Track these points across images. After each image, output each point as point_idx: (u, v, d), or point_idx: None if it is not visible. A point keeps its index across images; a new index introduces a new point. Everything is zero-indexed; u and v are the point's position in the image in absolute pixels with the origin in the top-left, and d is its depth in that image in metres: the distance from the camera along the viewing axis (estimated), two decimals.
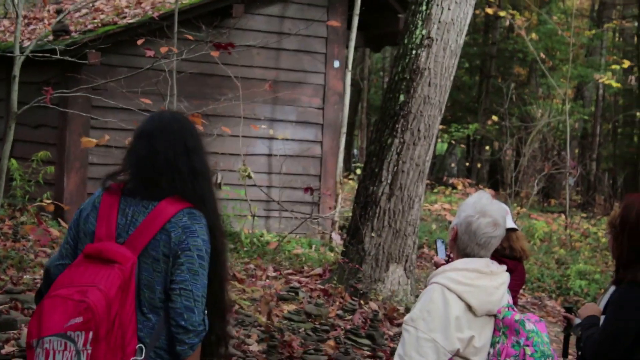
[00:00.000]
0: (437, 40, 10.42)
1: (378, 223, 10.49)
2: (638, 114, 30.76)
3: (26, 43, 13.63)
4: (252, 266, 11.54)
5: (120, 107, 12.40)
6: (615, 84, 23.67)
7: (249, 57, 14.86)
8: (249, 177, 13.66)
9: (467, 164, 35.38)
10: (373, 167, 10.61)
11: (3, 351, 6.78)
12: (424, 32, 10.42)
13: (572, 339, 5.44)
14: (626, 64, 24.75)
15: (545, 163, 22.78)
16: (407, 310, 9.88)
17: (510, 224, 6.72)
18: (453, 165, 38.52)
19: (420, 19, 10.48)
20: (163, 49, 11.13)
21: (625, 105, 35.05)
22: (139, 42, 11.64)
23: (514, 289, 6.62)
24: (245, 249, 12.92)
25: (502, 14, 24.01)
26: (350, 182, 25.40)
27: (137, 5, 14.81)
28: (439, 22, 10.42)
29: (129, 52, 13.69)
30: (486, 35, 35.48)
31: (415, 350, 4.07)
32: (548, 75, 24.24)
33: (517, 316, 4.23)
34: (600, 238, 19.56)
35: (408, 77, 10.46)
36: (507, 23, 29.40)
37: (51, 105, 9.63)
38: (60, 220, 12.97)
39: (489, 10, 25.78)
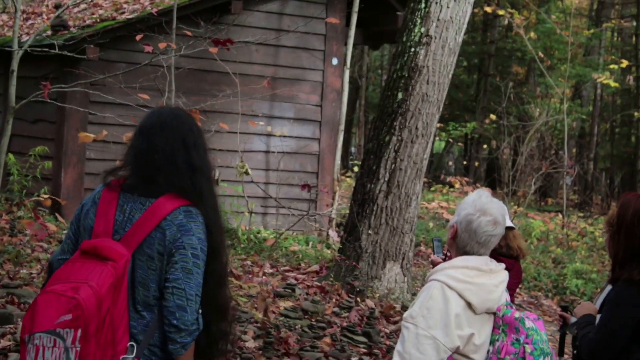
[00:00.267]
0: (435, 38, 10.42)
1: (375, 221, 10.49)
2: (636, 113, 30.74)
3: (24, 38, 13.63)
4: (249, 263, 11.54)
5: (118, 103, 12.40)
6: (613, 84, 23.70)
7: (248, 53, 14.86)
8: (247, 173, 13.65)
9: (465, 162, 35.38)
10: (371, 165, 10.62)
11: None
12: (422, 29, 10.42)
13: (568, 338, 5.44)
14: (624, 63, 24.76)
15: (543, 162, 22.77)
16: (404, 308, 9.89)
17: (508, 222, 6.72)
18: (450, 163, 38.54)
19: (419, 16, 10.48)
20: (161, 45, 11.14)
21: (623, 105, 35.09)
22: (138, 37, 11.64)
23: (510, 287, 6.62)
24: (242, 245, 12.92)
25: (500, 12, 24.03)
26: (348, 179, 25.40)
27: (135, 0, 14.80)
28: (438, 20, 10.42)
29: (128, 47, 13.68)
30: (485, 33, 35.48)
31: (415, 348, 4.07)
32: (546, 74, 24.25)
33: (517, 314, 4.24)
34: (597, 237, 19.57)
35: (406, 75, 10.46)
36: (506, 22, 29.35)
37: (49, 100, 9.64)
38: (57, 215, 12.98)
39: (488, 9, 25.82)
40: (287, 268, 11.70)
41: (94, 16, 14.28)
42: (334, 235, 14.45)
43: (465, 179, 25.14)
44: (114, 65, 13.45)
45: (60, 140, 13.76)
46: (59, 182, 13.73)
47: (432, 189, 26.99)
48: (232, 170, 14.36)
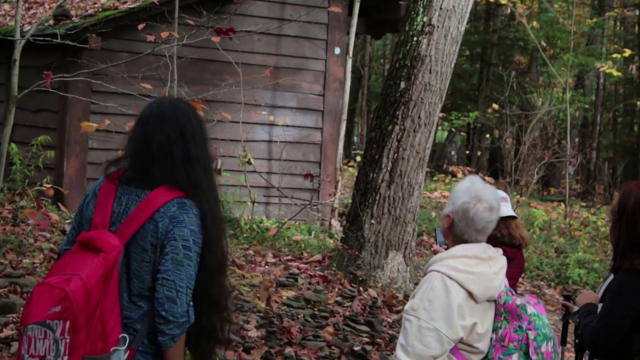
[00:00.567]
0: (438, 27, 10.40)
1: (378, 210, 10.49)
2: (638, 103, 30.74)
3: (27, 27, 13.61)
4: (251, 252, 11.55)
5: (121, 92, 12.40)
6: (616, 73, 23.64)
7: (250, 43, 14.84)
8: (249, 163, 13.65)
9: (467, 152, 35.36)
10: (373, 154, 10.61)
11: (2, 334, 6.80)
12: (425, 19, 10.41)
13: (571, 327, 5.45)
14: (627, 52, 24.73)
15: (545, 152, 22.76)
16: (406, 297, 9.89)
17: (510, 211, 6.73)
18: (453, 153, 38.50)
19: (421, 5, 10.46)
20: (164, 34, 11.11)
21: (626, 94, 35.03)
22: (140, 27, 11.61)
23: (513, 277, 6.64)
24: (244, 235, 12.93)
25: (503, 1, 23.93)
26: (350, 169, 25.42)
27: None
28: (440, 9, 10.40)
29: (130, 37, 13.68)
30: (487, 22, 35.43)
31: (418, 340, 4.06)
32: (549, 63, 24.22)
33: (519, 301, 4.24)
34: (600, 227, 19.58)
35: (409, 64, 10.45)
36: (508, 11, 29.31)
37: (51, 90, 9.62)
38: (59, 204, 12.98)
39: None
40: (289, 257, 11.70)
41: (96, 5, 14.27)
42: (336, 225, 14.44)
43: (468, 168, 25.10)
44: (116, 55, 13.43)
45: (62, 129, 13.76)
46: (61, 171, 13.73)
47: (435, 178, 27.00)
48: (234, 159, 14.36)
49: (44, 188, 11.32)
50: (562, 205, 21.82)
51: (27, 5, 16.19)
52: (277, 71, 15.09)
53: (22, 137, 13.90)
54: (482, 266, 4.20)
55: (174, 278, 3.75)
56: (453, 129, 34.26)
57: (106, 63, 11.86)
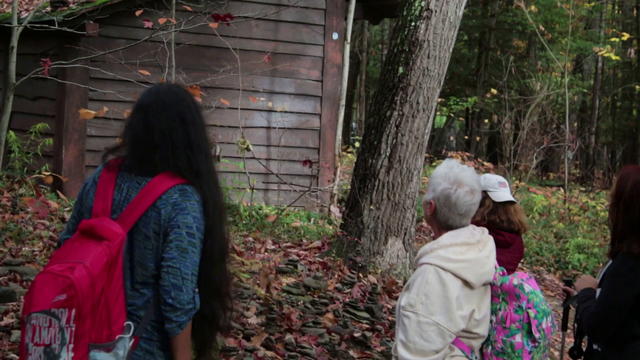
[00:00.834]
0: (436, 12, 10.37)
1: (377, 196, 10.48)
2: (637, 87, 30.71)
3: (24, 14, 13.58)
4: (250, 239, 11.55)
5: (119, 79, 12.37)
6: (614, 57, 23.63)
7: (248, 28, 14.81)
8: (248, 149, 13.63)
9: (466, 137, 35.34)
10: (372, 140, 10.59)
11: (2, 323, 6.79)
12: (423, 3, 10.38)
13: (572, 313, 5.45)
14: (625, 36, 24.71)
15: (544, 136, 22.76)
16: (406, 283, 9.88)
17: (509, 197, 6.71)
18: (452, 138, 38.50)
19: None
20: (161, 20, 11.09)
21: (625, 78, 35.04)
22: (137, 13, 11.59)
23: (512, 262, 6.63)
24: (244, 221, 12.93)
25: None
26: (349, 155, 25.40)
27: None
28: None
29: (127, 23, 13.64)
30: (485, 7, 35.37)
31: (418, 336, 4.03)
32: (547, 48, 24.20)
33: (516, 280, 4.24)
34: (599, 212, 19.58)
35: (407, 49, 10.43)
36: None
37: (49, 77, 9.61)
38: (58, 192, 12.97)
39: None
40: (289, 244, 11.70)
41: None
42: (335, 211, 14.44)
43: (467, 153, 25.04)
44: (113, 42, 13.41)
45: (60, 117, 13.74)
46: (60, 159, 13.71)
47: (434, 164, 26.92)
48: (233, 146, 14.34)
49: (42, 176, 11.30)
50: (561, 190, 21.82)
51: None
52: (275, 57, 15.06)
53: (21, 125, 13.89)
54: (472, 252, 4.17)
55: (179, 265, 3.75)
56: (452, 114, 34.28)
57: (104, 50, 11.85)
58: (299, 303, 8.68)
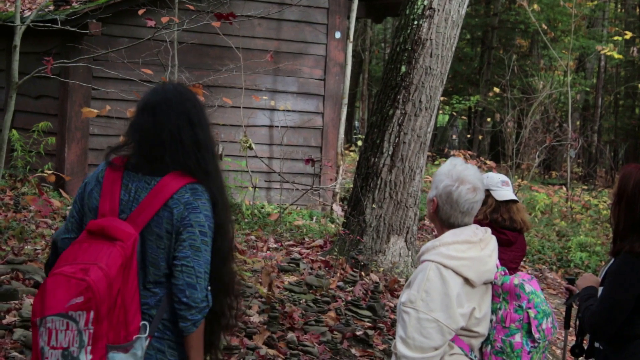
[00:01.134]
0: (438, 10, 10.37)
1: (379, 194, 10.48)
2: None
3: (27, 13, 13.59)
4: (253, 237, 11.55)
5: (121, 78, 12.39)
6: (617, 56, 23.62)
7: (250, 27, 14.82)
8: (250, 148, 13.64)
9: (469, 135, 35.34)
10: (374, 139, 10.59)
11: (4, 321, 6.80)
12: (425, 2, 10.37)
13: (574, 311, 5.45)
14: (628, 35, 24.70)
15: (547, 135, 22.75)
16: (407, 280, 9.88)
17: (511, 195, 6.72)
18: (454, 137, 38.49)
19: None
20: (164, 19, 11.09)
21: (627, 77, 35.01)
22: (140, 12, 11.60)
23: (514, 260, 6.63)
24: (246, 220, 12.93)
25: None
26: (352, 153, 25.40)
27: None
28: None
29: (130, 22, 13.66)
30: (488, 6, 35.35)
31: (418, 332, 4.03)
32: (550, 46, 24.18)
33: (516, 280, 4.24)
34: (601, 210, 19.57)
35: (409, 48, 10.43)
36: None
37: (52, 76, 9.60)
38: (61, 191, 12.98)
39: None
40: (291, 243, 11.70)
41: None
42: (337, 210, 14.45)
43: (469, 152, 25.06)
44: (116, 40, 13.42)
45: (63, 115, 13.75)
46: (62, 157, 13.72)
47: (436, 162, 26.95)
48: (235, 145, 14.36)
49: (45, 174, 11.32)
50: (564, 188, 21.82)
51: None
52: (277, 56, 15.06)
53: (23, 124, 13.90)
54: (474, 250, 4.18)
55: (193, 264, 3.76)
56: (454, 113, 34.24)
57: (106, 48, 11.85)
58: (301, 301, 8.69)
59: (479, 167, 19.67)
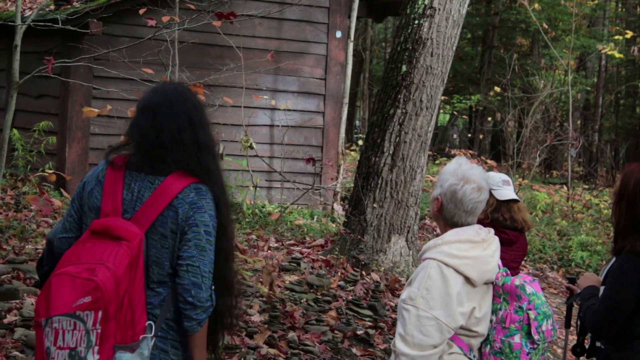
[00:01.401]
0: (439, 10, 10.37)
1: (380, 194, 10.48)
2: None
3: (27, 12, 13.59)
4: (254, 237, 11.55)
5: (122, 77, 12.38)
6: (617, 55, 23.63)
7: (251, 27, 14.81)
8: (251, 147, 13.64)
9: (469, 135, 35.32)
10: (375, 138, 10.59)
11: (5, 320, 6.80)
12: (426, 1, 10.37)
13: (575, 310, 5.45)
14: (629, 34, 24.71)
15: (548, 134, 22.73)
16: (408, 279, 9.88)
17: (512, 195, 6.71)
18: (455, 136, 38.48)
19: None
20: (165, 19, 11.09)
21: (628, 76, 35.00)
22: (141, 11, 11.59)
23: (515, 260, 6.62)
24: (247, 219, 12.93)
25: None
26: (352, 153, 25.42)
27: None
28: None
29: (131, 21, 13.66)
30: (489, 5, 35.35)
31: (417, 330, 4.04)
32: (550, 45, 24.17)
33: (517, 281, 4.24)
34: (602, 209, 19.57)
35: (410, 48, 10.43)
36: None
37: (53, 75, 9.60)
38: (62, 190, 12.98)
39: None
40: (292, 242, 11.71)
41: None
42: (338, 209, 14.45)
43: (470, 151, 25.05)
44: (117, 40, 13.42)
45: (64, 115, 13.75)
46: (63, 157, 13.73)
47: (437, 161, 26.97)
48: (236, 144, 14.36)
49: (46, 174, 11.30)
50: (565, 187, 21.82)
51: None
52: (278, 55, 15.06)
53: (24, 123, 13.90)
54: (476, 249, 4.18)
55: (198, 264, 3.77)
56: (455, 112, 34.27)
57: (107, 48, 11.84)
58: (302, 301, 8.69)
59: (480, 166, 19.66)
